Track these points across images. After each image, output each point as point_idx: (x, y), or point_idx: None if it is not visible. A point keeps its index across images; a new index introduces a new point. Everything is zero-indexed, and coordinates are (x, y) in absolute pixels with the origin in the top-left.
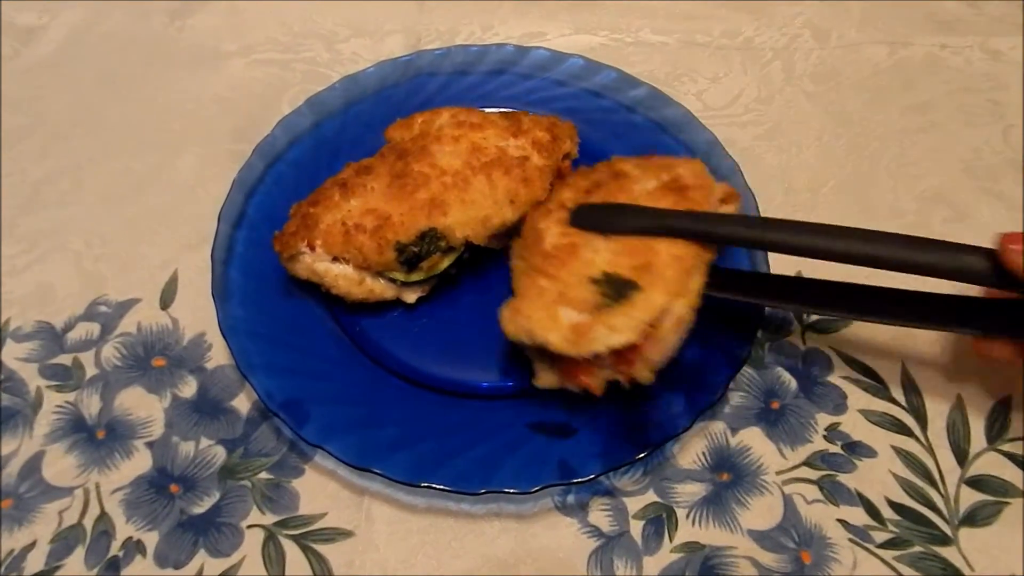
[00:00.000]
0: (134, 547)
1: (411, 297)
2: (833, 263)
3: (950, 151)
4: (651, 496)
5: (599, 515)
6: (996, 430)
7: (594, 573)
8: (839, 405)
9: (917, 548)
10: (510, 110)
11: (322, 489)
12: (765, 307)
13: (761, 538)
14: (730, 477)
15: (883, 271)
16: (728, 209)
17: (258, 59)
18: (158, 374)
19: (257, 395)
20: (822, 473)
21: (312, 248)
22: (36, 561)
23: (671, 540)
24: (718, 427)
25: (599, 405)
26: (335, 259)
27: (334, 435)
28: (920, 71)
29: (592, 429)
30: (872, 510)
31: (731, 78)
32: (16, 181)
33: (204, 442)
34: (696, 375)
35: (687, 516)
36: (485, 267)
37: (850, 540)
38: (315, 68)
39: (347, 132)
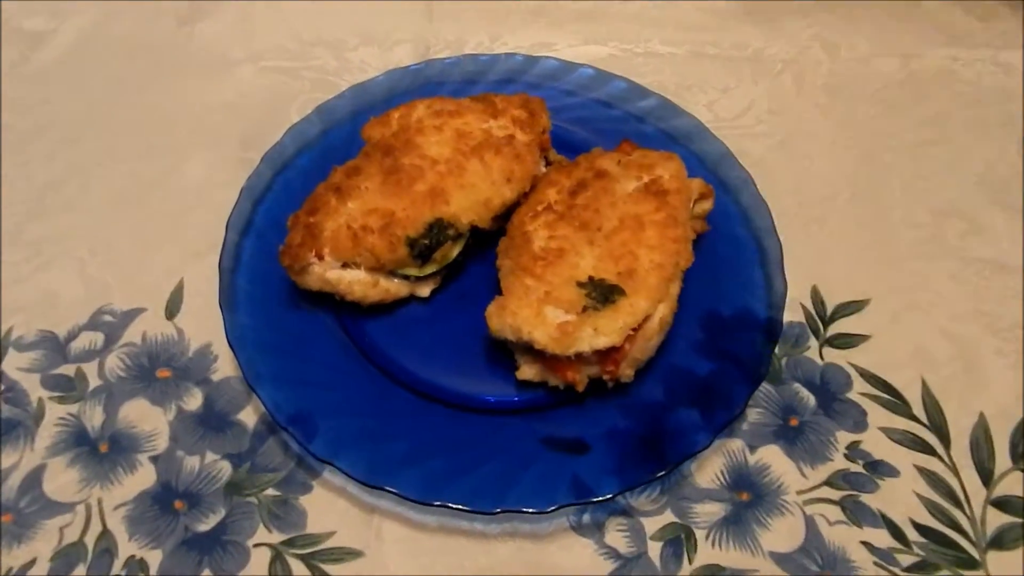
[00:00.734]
0: (137, 566)
1: (425, 291)
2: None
3: (963, 164)
4: (669, 516)
5: (616, 536)
6: (1021, 449)
7: None
8: (859, 422)
9: (944, 572)
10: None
11: (331, 506)
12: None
13: (783, 561)
14: (750, 496)
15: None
16: (705, 205)
17: (267, 66)
18: (163, 386)
19: (265, 408)
20: (844, 493)
21: (320, 257)
22: None
23: (691, 563)
24: (736, 445)
25: (613, 420)
26: (345, 265)
27: (343, 450)
28: (932, 84)
29: (607, 445)
30: (897, 532)
31: (741, 89)
32: (22, 187)
33: (209, 456)
34: (713, 391)
35: (706, 537)
36: (489, 274)
37: (875, 563)
38: (324, 76)
39: (356, 140)
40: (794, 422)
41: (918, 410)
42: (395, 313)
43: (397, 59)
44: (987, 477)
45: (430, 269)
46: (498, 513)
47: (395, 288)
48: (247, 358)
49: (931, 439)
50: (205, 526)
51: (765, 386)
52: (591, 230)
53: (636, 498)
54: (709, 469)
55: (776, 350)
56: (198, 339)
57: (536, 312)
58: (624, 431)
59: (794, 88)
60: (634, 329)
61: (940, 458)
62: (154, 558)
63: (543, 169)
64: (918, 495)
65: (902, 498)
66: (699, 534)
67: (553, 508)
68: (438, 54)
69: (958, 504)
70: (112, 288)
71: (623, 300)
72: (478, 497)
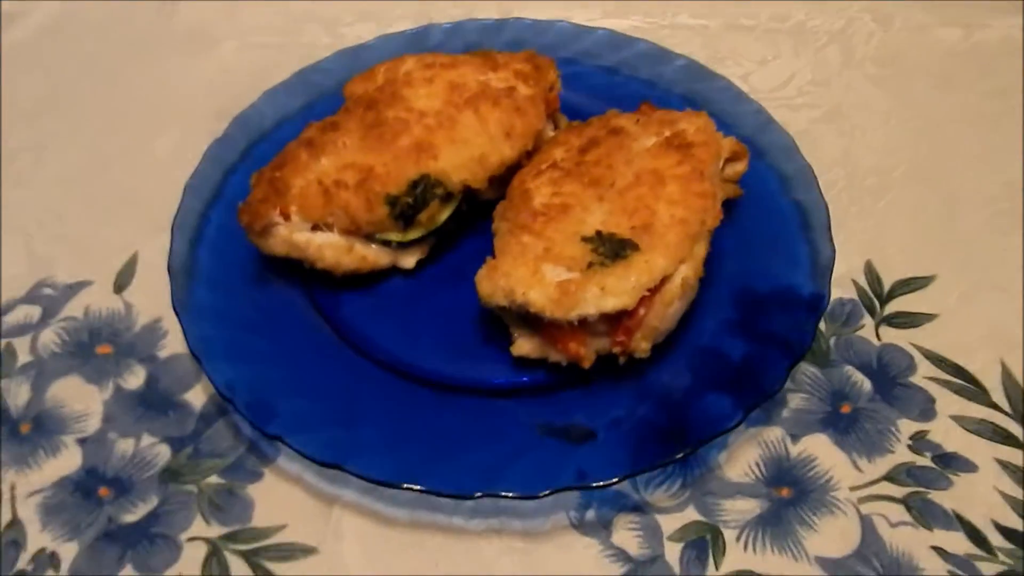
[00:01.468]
0: (47, 560)
1: (410, 261)
2: None
3: None
4: (692, 514)
5: (626, 535)
6: None
7: None
8: (926, 410)
9: None
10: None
11: (284, 497)
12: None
13: (834, 567)
14: (792, 493)
15: None
16: (738, 167)
17: (252, 42)
18: (101, 362)
19: (210, 381)
20: (909, 490)
21: (287, 216)
22: None
23: (717, 568)
24: (775, 434)
25: (626, 406)
26: (315, 227)
27: (302, 430)
28: (998, 55)
29: (617, 435)
30: (976, 536)
31: (781, 61)
32: None
33: (146, 440)
34: (745, 369)
35: (737, 539)
36: (487, 249)
37: (950, 573)
38: (314, 51)
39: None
40: (846, 409)
41: (998, 396)
42: (375, 287)
43: None
44: None
45: (415, 234)
46: (479, 497)
47: (373, 255)
48: (200, 332)
49: (1015, 429)
50: (132, 516)
51: (810, 368)
52: (602, 186)
53: (651, 492)
54: (741, 461)
55: (823, 328)
56: (147, 314)
57: (533, 271)
58: (639, 418)
59: (841, 60)
60: (650, 291)
61: None
62: (68, 552)
63: (550, 132)
64: (1001, 493)
65: (982, 496)
66: (728, 535)
67: (546, 492)
68: None
69: None
70: (57, 261)
71: (637, 256)
72: (457, 483)
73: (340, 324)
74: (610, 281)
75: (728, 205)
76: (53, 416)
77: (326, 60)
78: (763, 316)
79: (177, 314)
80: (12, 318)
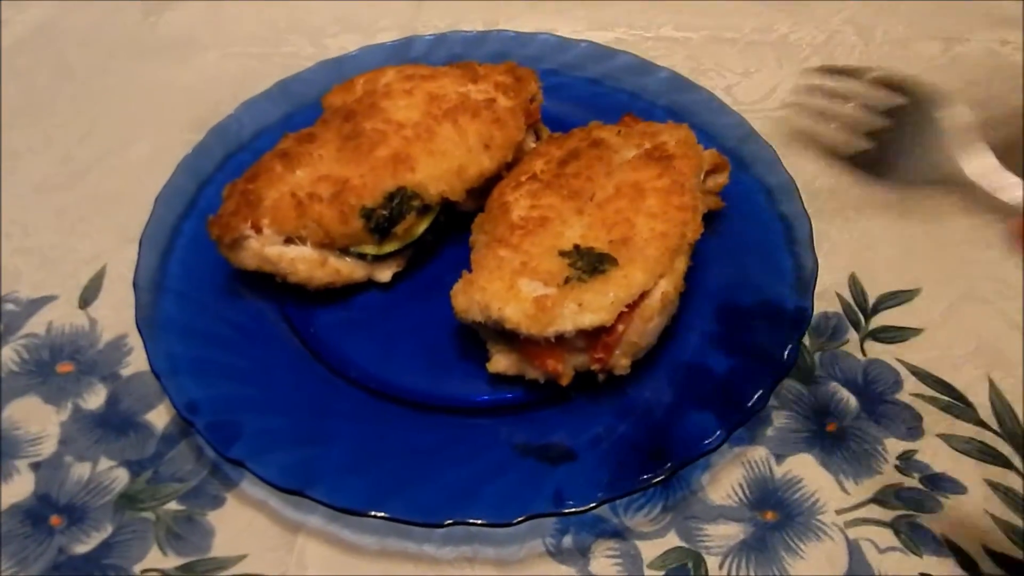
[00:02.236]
0: None
1: (385, 274)
2: None
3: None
4: (672, 539)
5: (604, 562)
6: None
7: None
8: (913, 429)
9: None
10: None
11: (246, 524)
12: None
13: None
14: (777, 516)
15: None
16: (719, 179)
17: (234, 52)
18: (61, 382)
19: (171, 401)
20: (897, 513)
21: (258, 230)
22: None
23: None
24: (759, 453)
25: (606, 424)
26: (288, 240)
27: (266, 452)
28: (978, 68)
29: (597, 454)
30: (967, 562)
31: (764, 73)
32: None
33: (104, 463)
34: (728, 385)
35: (720, 566)
36: (465, 262)
37: None
38: (297, 61)
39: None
40: (832, 427)
41: (986, 414)
42: (349, 301)
43: None
44: None
45: (390, 247)
46: (449, 525)
47: (348, 269)
48: (165, 348)
49: (1004, 448)
50: (84, 547)
51: (795, 385)
52: (582, 199)
53: (631, 516)
54: (725, 482)
55: (808, 343)
56: (112, 330)
57: (509, 285)
58: (619, 437)
59: None
60: (629, 307)
61: (1017, 471)
62: None
63: (531, 143)
64: (992, 516)
65: (972, 520)
66: (711, 562)
67: (519, 519)
68: None
69: None
70: (22, 275)
71: (615, 271)
72: (427, 509)
73: (312, 340)
74: (588, 296)
75: (710, 218)
76: (7, 439)
77: (307, 71)
78: (746, 330)
79: (140, 331)
80: None
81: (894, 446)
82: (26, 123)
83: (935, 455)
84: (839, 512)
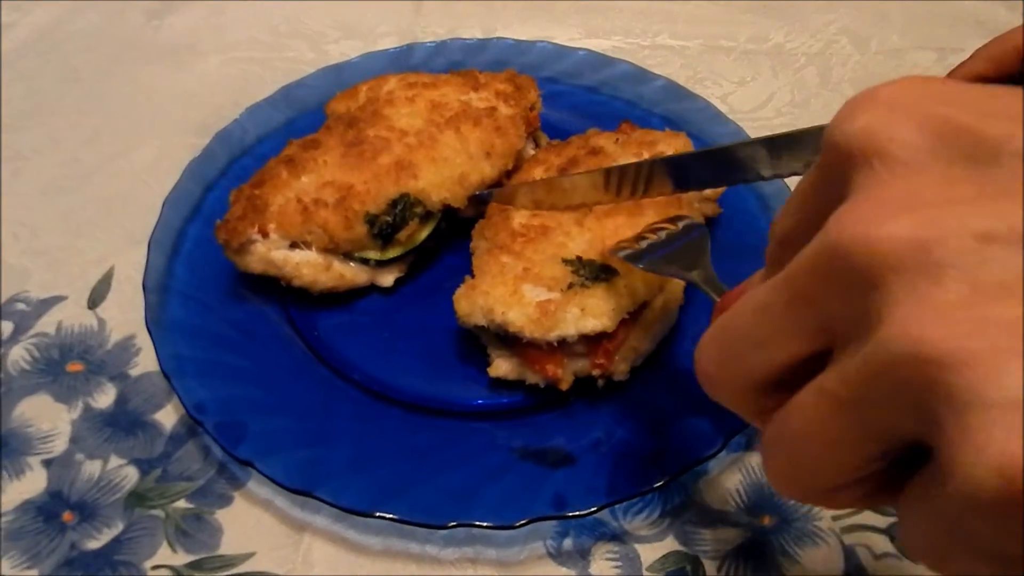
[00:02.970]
0: None
1: (388, 279)
2: None
3: None
4: (671, 543)
5: (604, 565)
6: None
7: None
8: None
9: None
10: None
11: (253, 523)
12: None
13: None
14: (773, 521)
15: None
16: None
17: (236, 57)
18: (71, 380)
19: (181, 401)
20: (893, 519)
21: (265, 234)
22: None
23: None
24: (756, 459)
25: (604, 429)
26: (293, 245)
27: (272, 453)
28: None
29: (596, 458)
30: None
31: (760, 82)
32: None
33: (114, 461)
34: None
35: (718, 569)
36: (466, 268)
37: None
38: (298, 67)
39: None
40: None
41: None
42: (352, 304)
43: None
44: None
45: (393, 252)
46: (453, 527)
47: (351, 274)
48: (172, 349)
49: None
50: (96, 543)
51: None
52: (581, 209)
53: (630, 520)
54: (722, 487)
55: None
56: (121, 331)
57: (512, 290)
58: (618, 442)
59: (819, 81)
60: (631, 314)
61: None
62: None
63: (531, 151)
64: None
65: None
66: (709, 565)
67: (522, 522)
68: None
69: None
70: (31, 275)
71: (617, 279)
72: (430, 510)
73: (316, 342)
74: (591, 302)
75: (707, 224)
76: (18, 436)
77: (310, 76)
78: None
79: (150, 332)
80: None
81: None
82: (32, 125)
83: None
84: (835, 518)
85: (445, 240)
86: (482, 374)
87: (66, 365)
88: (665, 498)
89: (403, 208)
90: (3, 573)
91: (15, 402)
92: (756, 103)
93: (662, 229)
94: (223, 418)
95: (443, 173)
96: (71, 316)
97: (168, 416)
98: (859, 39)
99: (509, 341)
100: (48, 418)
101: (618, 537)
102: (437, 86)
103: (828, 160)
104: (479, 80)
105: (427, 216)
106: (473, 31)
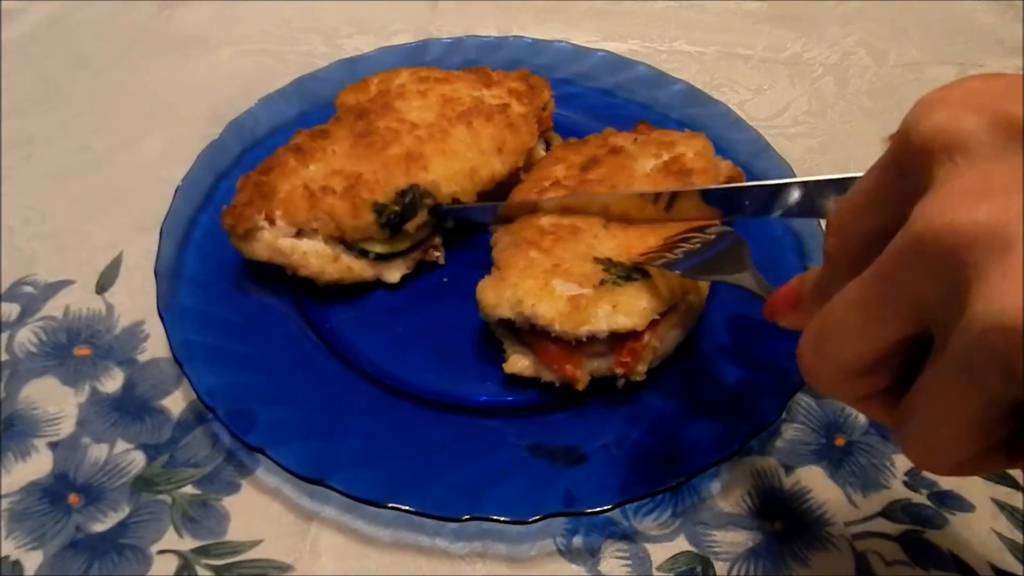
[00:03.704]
0: (10, 568)
1: (394, 276)
2: None
3: None
4: (682, 543)
5: (614, 563)
6: None
7: None
8: None
9: None
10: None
11: (261, 511)
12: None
13: None
14: (784, 526)
15: None
16: None
17: (248, 49)
18: (78, 364)
19: (192, 388)
20: (905, 528)
21: (271, 221)
22: None
23: None
24: (768, 464)
25: (617, 429)
26: (300, 233)
27: (283, 442)
28: None
29: (608, 457)
30: None
31: (777, 90)
32: None
33: (121, 446)
34: (742, 399)
35: (729, 571)
36: (478, 264)
37: None
38: (311, 60)
39: None
40: (840, 441)
41: None
42: (362, 299)
43: None
44: None
45: (402, 245)
46: (466, 520)
47: (358, 266)
48: (182, 336)
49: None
50: (101, 526)
51: (804, 398)
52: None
53: (641, 520)
54: (734, 491)
55: None
56: (129, 316)
57: (542, 284)
58: (632, 443)
59: (837, 91)
60: (659, 315)
61: None
62: (32, 560)
63: (542, 151)
64: (999, 535)
65: (979, 537)
66: (720, 567)
67: (537, 518)
68: None
69: None
70: (40, 259)
71: (649, 280)
72: (443, 503)
73: (329, 335)
74: (622, 300)
75: None
76: (25, 418)
77: (324, 69)
78: (760, 342)
79: (162, 318)
80: None
81: (902, 462)
82: (42, 111)
83: None
84: (847, 524)
85: (452, 238)
86: (496, 370)
87: (73, 349)
88: (676, 499)
89: (412, 199)
90: (7, 552)
91: (21, 384)
92: (773, 111)
93: (693, 238)
94: (234, 406)
95: (453, 166)
96: (79, 300)
97: (176, 402)
98: (877, 52)
99: (526, 338)
100: (55, 401)
101: (628, 536)
102: (449, 81)
103: (903, 157)
104: (492, 77)
105: (435, 209)
106: (488, 31)
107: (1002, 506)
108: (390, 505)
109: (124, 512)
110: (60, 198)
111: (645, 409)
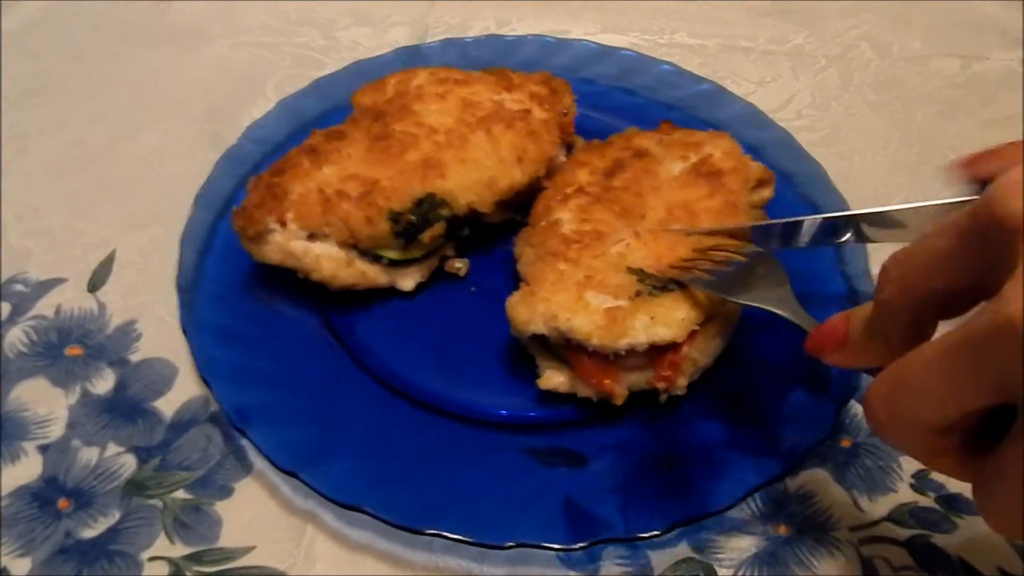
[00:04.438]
0: None
1: (408, 283)
2: None
3: None
4: (684, 550)
5: (614, 569)
6: None
7: None
8: None
9: None
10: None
11: (254, 516)
12: None
13: None
14: (789, 531)
15: None
16: (764, 193)
17: (245, 41)
18: (69, 365)
19: (220, 407)
20: (912, 532)
21: (283, 223)
22: None
23: None
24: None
25: (658, 446)
26: (312, 236)
27: (316, 462)
28: (997, 87)
29: (648, 477)
30: None
31: (780, 83)
32: None
33: (112, 449)
34: (790, 412)
35: None
36: (497, 269)
37: None
38: (308, 53)
39: None
40: (846, 443)
41: None
42: (383, 306)
43: (392, 40)
44: None
45: (416, 253)
46: (510, 548)
47: (372, 272)
48: (205, 349)
49: None
50: (91, 532)
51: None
52: (634, 217)
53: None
54: None
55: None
56: (121, 315)
57: (576, 297)
58: (677, 459)
59: (840, 84)
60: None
61: None
62: (20, 567)
63: (563, 157)
64: (1008, 540)
65: (988, 542)
66: (723, 574)
67: (583, 544)
68: (437, 37)
69: None
70: (32, 256)
71: (684, 291)
72: (484, 529)
73: (356, 348)
74: (660, 311)
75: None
76: (14, 420)
77: (342, 71)
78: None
79: (184, 332)
80: None
81: (909, 464)
82: (36, 104)
83: None
84: (853, 529)
85: (468, 247)
86: (528, 386)
87: (64, 349)
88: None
89: (428, 208)
90: None
91: (11, 385)
92: (777, 104)
93: (729, 258)
94: (265, 426)
95: (472, 175)
96: (71, 299)
97: (168, 404)
98: (880, 44)
99: (560, 352)
100: (45, 403)
101: (629, 542)
102: (469, 83)
103: (987, 232)
104: (512, 80)
105: (452, 219)
106: (486, 22)
107: None
108: (430, 532)
109: (115, 517)
110: (54, 193)
111: (686, 425)
